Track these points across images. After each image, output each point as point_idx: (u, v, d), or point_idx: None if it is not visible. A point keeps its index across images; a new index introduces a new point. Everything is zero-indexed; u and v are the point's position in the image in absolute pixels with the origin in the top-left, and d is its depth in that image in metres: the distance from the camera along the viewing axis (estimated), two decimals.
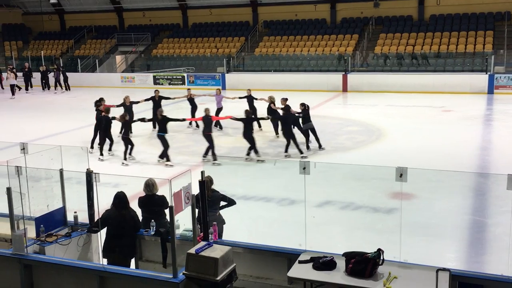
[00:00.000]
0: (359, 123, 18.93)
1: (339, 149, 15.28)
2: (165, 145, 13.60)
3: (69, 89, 30.60)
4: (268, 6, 34.82)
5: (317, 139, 14.94)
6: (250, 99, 18.33)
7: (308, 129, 14.83)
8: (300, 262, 5.90)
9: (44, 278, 6.70)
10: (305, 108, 15.20)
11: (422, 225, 9.17)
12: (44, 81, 31.52)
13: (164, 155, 13.70)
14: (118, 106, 17.20)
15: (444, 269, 5.33)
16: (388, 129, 17.65)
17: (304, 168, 5.98)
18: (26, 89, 30.95)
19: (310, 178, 6.02)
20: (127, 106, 17.11)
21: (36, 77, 31.68)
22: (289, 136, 14.37)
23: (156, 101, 18.06)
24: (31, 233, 6.95)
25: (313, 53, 30.78)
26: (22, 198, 6.68)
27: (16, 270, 6.67)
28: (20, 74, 32.13)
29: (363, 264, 5.55)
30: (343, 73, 28.05)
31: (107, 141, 15.03)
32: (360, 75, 28.11)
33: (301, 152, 14.06)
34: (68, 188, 7.49)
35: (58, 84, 30.76)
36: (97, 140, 15.29)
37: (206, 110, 14.41)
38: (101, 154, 14.57)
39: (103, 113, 14.83)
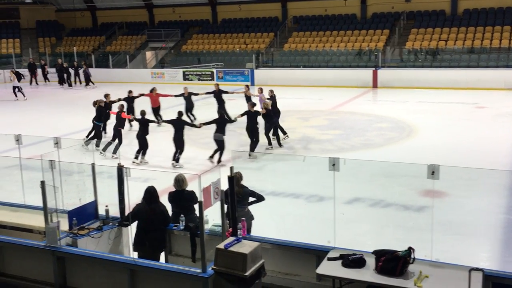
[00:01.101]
0: (389, 119, 18.70)
1: (369, 145, 15.12)
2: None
3: (90, 85, 30.96)
4: (297, 1, 34.64)
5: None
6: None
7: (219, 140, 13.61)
8: (329, 259, 5.86)
9: (76, 270, 6.84)
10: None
11: (454, 224, 9.01)
12: (64, 76, 31.87)
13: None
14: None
15: (477, 269, 5.22)
16: (419, 125, 17.37)
17: (333, 165, 5.93)
18: (61, 84, 31.57)
19: (339, 174, 5.98)
20: (186, 96, 18.14)
21: (68, 73, 32.20)
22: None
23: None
24: (64, 226, 7.09)
25: (343, 49, 30.50)
26: (55, 191, 6.81)
27: (50, 262, 6.82)
28: (53, 69, 32.83)
29: (394, 262, 5.48)
30: (373, 69, 27.72)
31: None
32: (390, 71, 27.73)
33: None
34: (100, 182, 7.61)
35: (85, 80, 31.29)
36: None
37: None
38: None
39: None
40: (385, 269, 5.49)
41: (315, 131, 17.12)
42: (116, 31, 39.63)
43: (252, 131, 14.05)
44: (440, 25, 29.94)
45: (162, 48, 36.67)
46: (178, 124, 13.31)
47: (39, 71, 33.03)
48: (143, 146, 13.51)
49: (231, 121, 14.29)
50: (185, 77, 31.70)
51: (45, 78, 33.03)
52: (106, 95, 16.94)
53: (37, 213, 7.52)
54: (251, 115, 14.09)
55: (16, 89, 26.38)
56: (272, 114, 14.96)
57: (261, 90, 17.51)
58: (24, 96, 26.39)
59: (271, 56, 31.97)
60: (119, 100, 17.36)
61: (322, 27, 33.06)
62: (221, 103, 18.17)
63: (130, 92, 18.06)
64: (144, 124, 13.64)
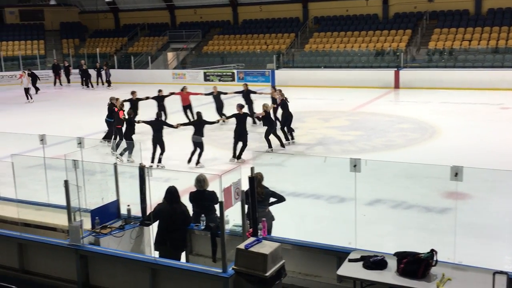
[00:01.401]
0: (411, 120, 18.50)
1: (391, 146, 14.99)
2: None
3: (111, 86, 31.18)
4: (318, 2, 34.52)
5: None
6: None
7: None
8: (350, 260, 5.83)
9: (98, 269, 6.92)
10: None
11: (477, 226, 8.87)
12: (84, 78, 32.21)
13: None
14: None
15: (501, 272, 5.14)
16: (442, 126, 17.16)
17: (354, 166, 5.90)
18: (83, 85, 31.99)
19: (360, 175, 5.94)
20: (215, 95, 18.53)
21: (87, 74, 32.57)
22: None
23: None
24: (87, 224, 7.18)
25: (364, 49, 30.30)
26: (78, 190, 6.90)
27: (73, 260, 6.91)
28: (76, 71, 33.30)
29: (416, 264, 5.43)
30: (395, 69, 27.47)
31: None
32: (413, 71, 27.44)
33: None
34: (122, 182, 7.69)
35: (102, 81, 31.64)
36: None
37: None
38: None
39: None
40: (407, 271, 5.44)
41: (336, 131, 17.03)
42: (138, 32, 40.02)
43: (240, 134, 13.64)
44: (463, 25, 29.53)
45: (184, 49, 36.90)
46: (157, 125, 13.37)
47: (63, 72, 33.51)
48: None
49: (210, 122, 13.90)
50: (206, 77, 31.85)
51: (68, 79, 33.49)
52: (133, 92, 17.55)
53: (60, 212, 7.63)
54: (240, 118, 13.73)
55: (28, 91, 26.42)
56: (271, 118, 14.74)
57: (279, 92, 16.71)
58: (31, 98, 26.42)
59: (292, 56, 31.92)
60: (147, 98, 17.85)
61: (344, 27, 32.89)
62: (249, 103, 18.28)
63: (160, 91, 18.41)
64: (130, 124, 13.94)
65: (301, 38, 33.36)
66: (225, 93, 18.86)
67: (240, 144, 13.66)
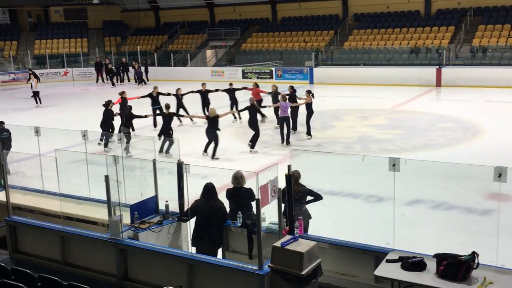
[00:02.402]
0: (453, 119, 18.07)
1: (431, 146, 14.68)
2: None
3: (141, 84, 31.26)
4: None
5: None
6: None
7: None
8: (387, 261, 5.74)
9: (137, 263, 7.04)
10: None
11: None
12: (114, 75, 32.77)
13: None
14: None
15: None
16: (486, 126, 16.68)
17: (393, 165, 5.80)
18: (122, 81, 32.61)
19: (399, 175, 5.84)
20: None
21: (112, 72, 33.15)
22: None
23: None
24: (126, 219, 7.32)
25: (405, 46, 29.75)
26: (118, 186, 7.04)
27: (112, 254, 7.07)
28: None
29: (456, 267, 5.30)
30: (437, 67, 26.87)
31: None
32: (455, 69, 26.77)
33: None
34: (160, 178, 7.80)
35: (137, 79, 31.72)
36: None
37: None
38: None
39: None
40: (446, 274, 5.32)
41: (375, 130, 16.80)
42: (178, 30, 40.48)
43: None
44: (509, 21, 28.58)
45: (222, 46, 37.11)
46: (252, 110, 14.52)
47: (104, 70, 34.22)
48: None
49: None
50: (244, 75, 31.95)
51: (108, 76, 33.96)
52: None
53: (101, 206, 7.81)
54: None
55: (36, 95, 24.42)
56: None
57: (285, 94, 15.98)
58: (40, 102, 24.53)
59: (331, 54, 31.65)
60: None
61: (384, 24, 32.38)
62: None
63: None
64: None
65: (340, 36, 33.04)
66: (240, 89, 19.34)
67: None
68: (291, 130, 15.61)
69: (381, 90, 25.83)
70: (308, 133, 15.83)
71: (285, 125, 15.05)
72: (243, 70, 32.12)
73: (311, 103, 15.79)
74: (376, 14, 33.52)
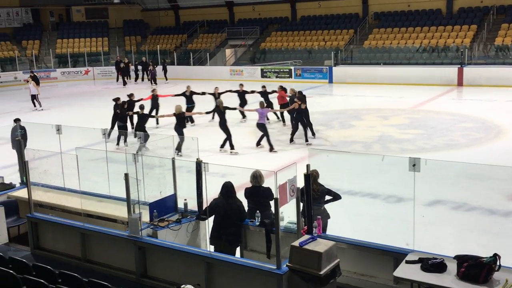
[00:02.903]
0: (475, 119, 17.81)
1: (452, 146, 14.50)
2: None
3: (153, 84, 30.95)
4: None
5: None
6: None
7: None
8: (407, 262, 5.69)
9: (156, 260, 7.09)
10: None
11: None
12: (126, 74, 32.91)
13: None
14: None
15: None
16: (508, 126, 16.41)
17: (414, 165, 5.74)
18: (142, 79, 32.80)
19: (419, 175, 5.77)
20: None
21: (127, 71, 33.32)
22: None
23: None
24: (145, 217, 7.37)
25: (426, 45, 29.42)
26: (138, 184, 7.09)
27: (131, 251, 7.12)
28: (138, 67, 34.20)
29: (477, 269, 5.23)
30: (459, 66, 26.52)
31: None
32: (477, 68, 26.39)
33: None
34: (179, 176, 7.83)
35: (151, 79, 31.59)
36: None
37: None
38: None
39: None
40: (467, 276, 5.25)
41: (395, 130, 16.65)
42: (198, 29, 40.64)
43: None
44: None
45: (241, 45, 37.15)
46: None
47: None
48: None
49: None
50: (263, 74, 31.94)
51: (124, 76, 33.88)
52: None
53: (120, 204, 7.88)
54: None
55: (35, 98, 23.74)
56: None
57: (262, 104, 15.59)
58: (40, 105, 23.75)
59: (351, 53, 31.46)
60: (253, 92, 18.66)
61: (405, 23, 32.08)
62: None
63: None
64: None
65: (360, 34, 32.82)
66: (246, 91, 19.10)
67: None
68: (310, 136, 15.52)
69: (401, 89, 25.60)
70: (312, 133, 15.78)
71: (268, 130, 14.88)
72: (262, 69, 32.11)
73: (302, 108, 15.34)
74: (396, 13, 33.22)
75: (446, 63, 27.59)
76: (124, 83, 32.13)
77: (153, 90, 18.75)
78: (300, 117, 15.09)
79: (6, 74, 34.89)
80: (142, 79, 33.43)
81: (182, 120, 14.66)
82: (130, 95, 17.17)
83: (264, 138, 14.61)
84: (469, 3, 30.95)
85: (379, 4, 33.89)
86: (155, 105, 18.31)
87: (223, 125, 14.53)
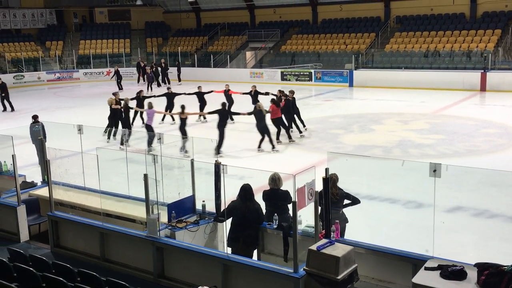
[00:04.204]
0: (498, 125, 17.54)
1: (474, 152, 14.29)
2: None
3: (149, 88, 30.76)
4: (401, 0, 33.54)
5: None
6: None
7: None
8: (426, 268, 5.61)
9: (173, 261, 7.12)
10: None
11: None
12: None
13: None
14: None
15: None
16: None
17: (434, 171, 5.66)
18: (164, 83, 33.01)
19: (440, 181, 5.70)
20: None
21: (173, 71, 33.55)
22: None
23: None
24: (164, 218, 7.41)
25: (449, 50, 29.08)
26: (157, 184, 7.13)
27: (149, 251, 7.16)
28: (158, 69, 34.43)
29: (498, 277, 5.14)
30: (482, 71, 26.15)
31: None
32: (501, 73, 25.99)
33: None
34: (198, 177, 7.85)
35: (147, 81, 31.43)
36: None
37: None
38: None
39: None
40: (488, 284, 5.17)
41: (415, 135, 16.48)
42: (218, 31, 40.81)
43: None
44: None
45: (262, 48, 37.19)
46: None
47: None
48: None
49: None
50: (283, 77, 31.92)
51: (144, 78, 33.93)
52: (253, 86, 19.44)
53: (139, 204, 7.94)
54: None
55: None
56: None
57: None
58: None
59: (372, 57, 31.27)
60: (267, 93, 18.70)
61: (427, 27, 31.76)
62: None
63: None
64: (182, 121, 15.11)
65: (381, 38, 32.59)
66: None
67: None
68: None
69: (422, 94, 25.34)
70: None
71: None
72: (282, 72, 32.09)
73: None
74: (419, 17, 32.91)
75: (469, 68, 27.23)
76: (164, 82, 32.34)
77: (227, 85, 19.95)
78: (262, 125, 14.77)
79: (30, 74, 35.47)
80: (164, 82, 33.61)
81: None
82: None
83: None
84: (493, 7, 30.50)
85: (401, 8, 33.61)
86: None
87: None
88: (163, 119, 19.13)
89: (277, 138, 15.49)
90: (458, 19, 31.48)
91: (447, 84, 26.27)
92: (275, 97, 16.61)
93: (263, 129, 14.70)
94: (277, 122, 15.63)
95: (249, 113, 15.32)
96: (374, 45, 32.32)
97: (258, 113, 14.72)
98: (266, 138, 14.70)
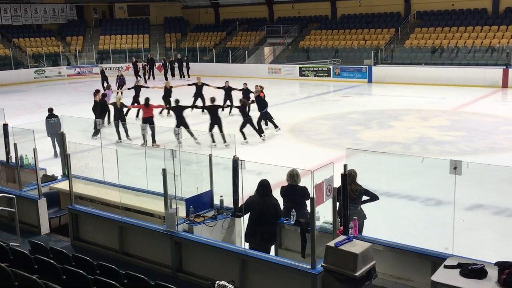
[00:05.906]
0: None
1: (495, 149, 14.09)
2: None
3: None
4: None
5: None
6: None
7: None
8: (446, 266, 5.56)
9: (191, 255, 7.16)
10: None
11: None
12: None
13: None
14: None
15: None
16: None
17: (455, 168, 5.60)
18: (179, 76, 33.12)
19: (460, 178, 5.63)
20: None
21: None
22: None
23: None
24: (182, 212, 7.45)
25: (470, 45, 28.67)
26: (175, 179, 7.17)
27: (167, 246, 7.21)
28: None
29: None
30: (504, 67, 25.74)
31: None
32: None
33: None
34: (216, 173, 7.88)
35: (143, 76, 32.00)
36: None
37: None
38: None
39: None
40: (509, 283, 5.09)
41: (435, 131, 16.30)
42: (237, 27, 40.79)
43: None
44: None
45: (280, 44, 37.08)
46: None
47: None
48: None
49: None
50: (301, 73, 31.80)
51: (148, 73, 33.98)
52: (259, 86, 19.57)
53: (158, 199, 7.99)
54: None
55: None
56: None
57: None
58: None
59: (391, 52, 30.97)
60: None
61: (448, 22, 31.34)
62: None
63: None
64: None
65: (401, 34, 32.26)
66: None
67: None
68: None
69: (442, 90, 25.04)
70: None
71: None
72: (300, 68, 31.98)
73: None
74: (440, 12, 32.49)
75: (491, 64, 26.83)
76: (172, 76, 32.97)
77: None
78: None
79: (51, 69, 35.90)
80: (181, 76, 33.71)
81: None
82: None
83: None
84: None
85: (421, 3, 33.20)
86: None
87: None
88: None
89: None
90: (480, 14, 31.01)
91: (468, 80, 25.92)
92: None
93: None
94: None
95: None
96: (393, 40, 32.01)
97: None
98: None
